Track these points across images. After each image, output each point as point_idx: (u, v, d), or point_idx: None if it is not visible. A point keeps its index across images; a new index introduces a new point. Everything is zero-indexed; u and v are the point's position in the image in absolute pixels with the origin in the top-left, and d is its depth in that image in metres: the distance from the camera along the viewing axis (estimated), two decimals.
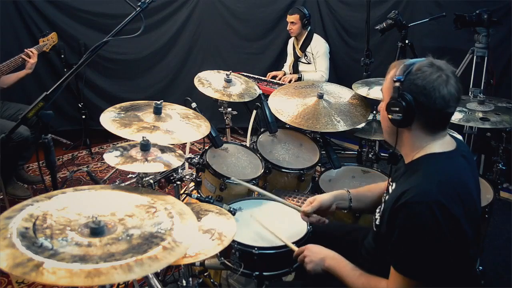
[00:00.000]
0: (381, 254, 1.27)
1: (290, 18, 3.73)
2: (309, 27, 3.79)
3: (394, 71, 1.24)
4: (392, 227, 1.17)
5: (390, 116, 1.22)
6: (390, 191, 1.32)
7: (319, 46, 3.76)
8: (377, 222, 1.34)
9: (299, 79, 3.78)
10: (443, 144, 1.23)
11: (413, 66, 1.19)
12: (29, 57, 2.95)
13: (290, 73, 3.98)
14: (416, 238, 1.10)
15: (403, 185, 1.20)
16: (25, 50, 2.96)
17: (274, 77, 3.97)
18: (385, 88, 1.28)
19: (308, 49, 3.78)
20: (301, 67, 3.90)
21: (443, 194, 1.10)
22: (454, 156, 1.23)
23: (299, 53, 3.86)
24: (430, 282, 1.12)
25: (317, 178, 2.21)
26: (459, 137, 2.22)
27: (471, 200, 1.17)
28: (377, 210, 1.40)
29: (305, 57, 3.83)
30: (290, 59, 4.06)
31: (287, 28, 3.81)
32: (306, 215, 1.56)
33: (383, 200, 1.37)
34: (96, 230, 1.03)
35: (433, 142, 1.22)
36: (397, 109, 1.19)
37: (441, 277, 1.11)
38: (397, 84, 1.19)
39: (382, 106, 1.31)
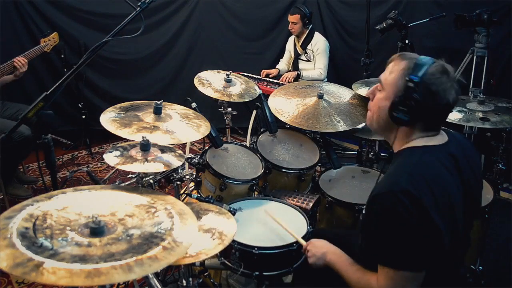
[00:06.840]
0: (365, 247, 1.28)
1: (291, 18, 3.77)
2: (310, 26, 3.82)
3: (406, 64, 1.19)
4: (369, 219, 1.19)
5: (395, 113, 1.20)
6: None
7: (319, 43, 3.80)
8: (363, 212, 1.35)
9: (298, 76, 3.82)
10: (428, 139, 1.23)
11: (428, 69, 1.16)
12: (20, 67, 2.85)
13: (290, 71, 4.00)
14: (387, 225, 1.12)
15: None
16: (15, 59, 2.86)
17: (267, 75, 4.00)
18: (392, 80, 1.22)
19: (309, 47, 3.83)
20: (301, 65, 3.93)
21: (412, 184, 1.10)
22: (435, 151, 1.20)
23: (299, 50, 3.89)
24: (412, 272, 1.12)
25: (317, 178, 2.21)
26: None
27: (445, 195, 1.14)
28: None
29: (306, 55, 3.86)
30: (288, 56, 4.09)
31: (289, 28, 3.84)
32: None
33: None
34: (96, 230, 1.03)
35: (421, 137, 1.23)
36: (405, 109, 1.17)
37: (419, 266, 1.12)
38: (411, 84, 1.16)
39: (381, 97, 1.25)
